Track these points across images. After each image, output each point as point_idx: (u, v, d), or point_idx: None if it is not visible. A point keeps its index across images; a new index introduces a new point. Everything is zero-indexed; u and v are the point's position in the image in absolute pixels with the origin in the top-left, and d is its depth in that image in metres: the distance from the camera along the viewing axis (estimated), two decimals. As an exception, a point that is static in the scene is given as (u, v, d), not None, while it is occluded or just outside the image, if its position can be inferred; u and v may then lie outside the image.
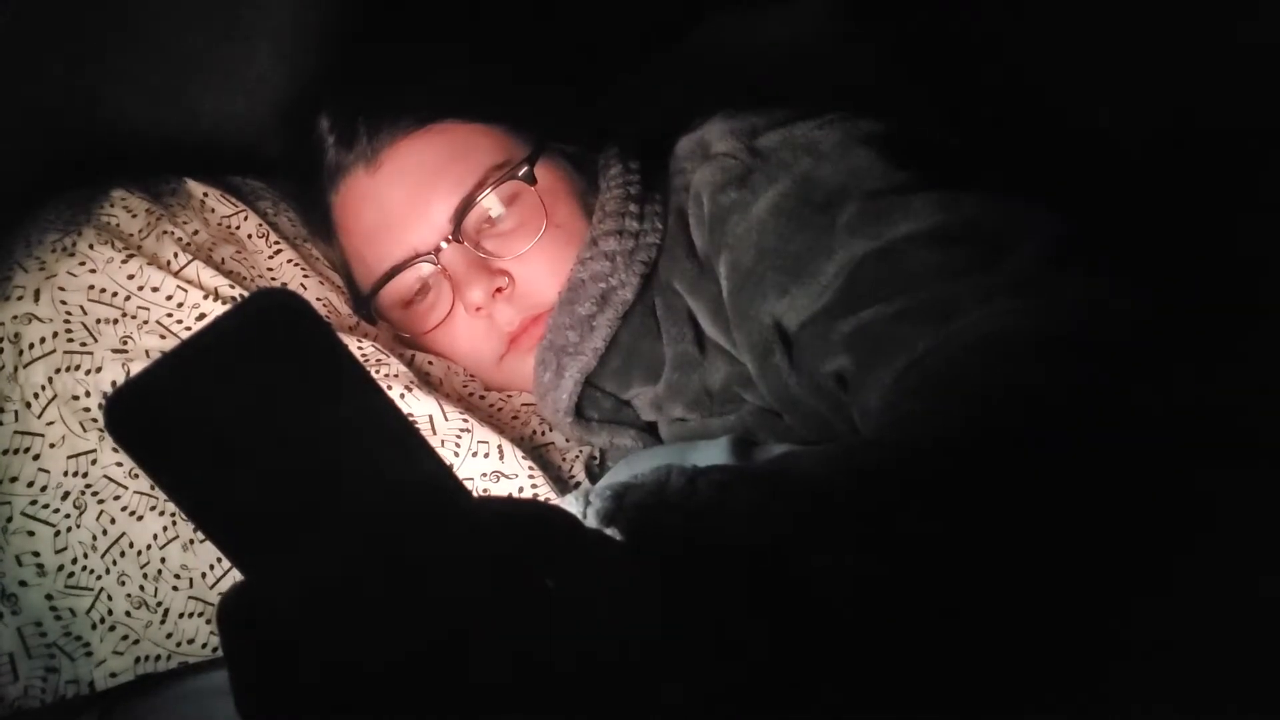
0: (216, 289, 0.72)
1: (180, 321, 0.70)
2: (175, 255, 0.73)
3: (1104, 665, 0.40)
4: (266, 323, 0.33)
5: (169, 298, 0.71)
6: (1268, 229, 0.73)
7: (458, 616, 0.32)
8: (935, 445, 0.44)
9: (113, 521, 0.66)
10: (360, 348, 0.73)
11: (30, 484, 0.66)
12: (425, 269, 0.76)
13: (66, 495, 0.66)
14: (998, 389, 0.47)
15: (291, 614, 0.32)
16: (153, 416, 0.32)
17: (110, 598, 0.66)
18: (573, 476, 0.75)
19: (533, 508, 0.36)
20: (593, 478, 0.75)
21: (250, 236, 0.78)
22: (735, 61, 0.95)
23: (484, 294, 0.75)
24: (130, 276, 0.71)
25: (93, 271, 0.71)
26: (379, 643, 0.32)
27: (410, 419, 0.70)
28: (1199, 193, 0.78)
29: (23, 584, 0.65)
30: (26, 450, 0.67)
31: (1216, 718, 0.41)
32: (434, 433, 0.69)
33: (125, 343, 0.69)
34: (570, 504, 0.44)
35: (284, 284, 0.77)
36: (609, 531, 0.41)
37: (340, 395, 0.34)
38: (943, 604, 0.39)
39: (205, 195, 0.79)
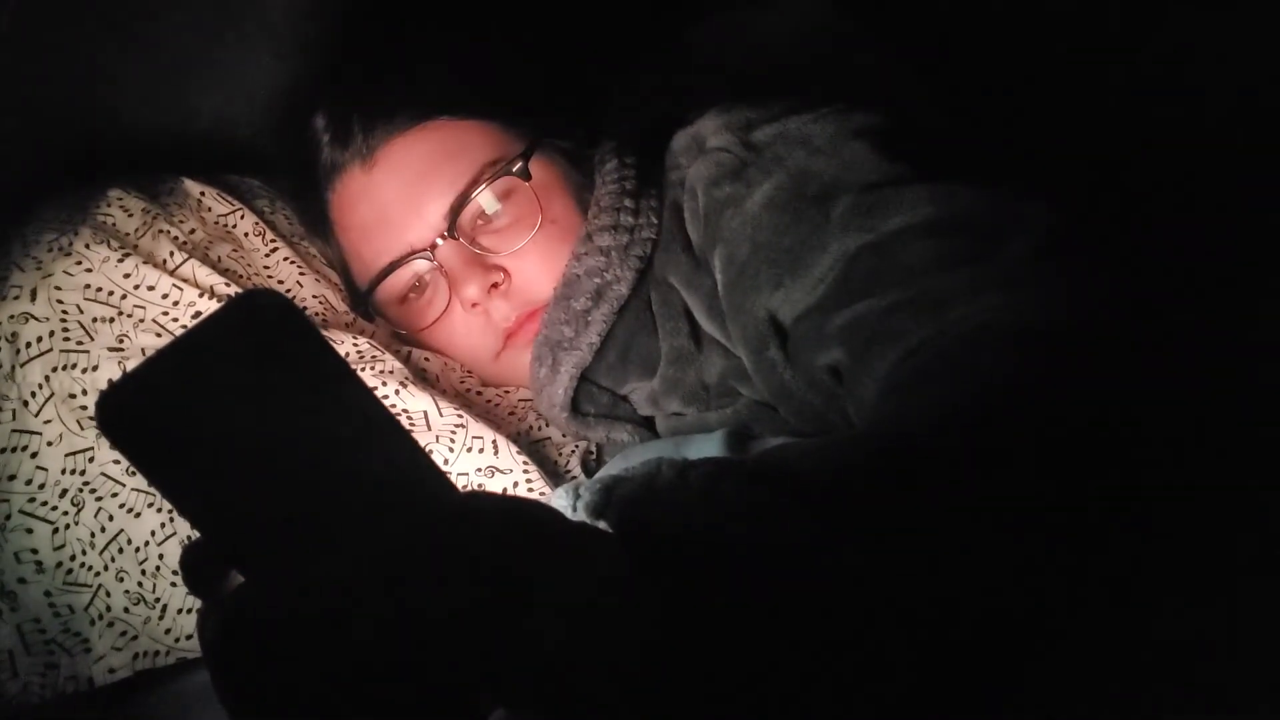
0: (212, 287, 0.72)
1: (176, 320, 0.70)
2: (171, 254, 0.73)
3: (1085, 659, 0.40)
4: (252, 322, 0.34)
5: (165, 296, 0.71)
6: (1264, 227, 0.73)
7: (433, 617, 0.32)
8: (928, 438, 0.44)
9: (110, 518, 0.67)
10: (356, 344, 0.73)
11: (28, 482, 0.67)
12: (421, 265, 0.77)
13: (64, 493, 0.67)
14: (990, 382, 0.47)
15: (270, 617, 0.33)
16: (143, 414, 0.33)
17: (109, 594, 0.66)
18: (569, 471, 0.75)
19: (512, 504, 0.36)
20: (589, 472, 0.75)
21: (247, 235, 0.79)
22: (734, 58, 0.95)
23: (479, 290, 0.75)
24: (126, 275, 0.71)
25: (89, 270, 0.71)
26: (353, 646, 0.32)
27: (398, 415, 0.70)
28: (1194, 189, 0.78)
29: (21, 581, 0.66)
30: (24, 448, 0.67)
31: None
32: (429, 428, 0.69)
33: (121, 341, 0.70)
34: (560, 497, 0.44)
35: (280, 282, 0.77)
36: (600, 524, 0.41)
37: (325, 392, 0.35)
38: (937, 597, 0.39)
39: (202, 194, 0.79)
